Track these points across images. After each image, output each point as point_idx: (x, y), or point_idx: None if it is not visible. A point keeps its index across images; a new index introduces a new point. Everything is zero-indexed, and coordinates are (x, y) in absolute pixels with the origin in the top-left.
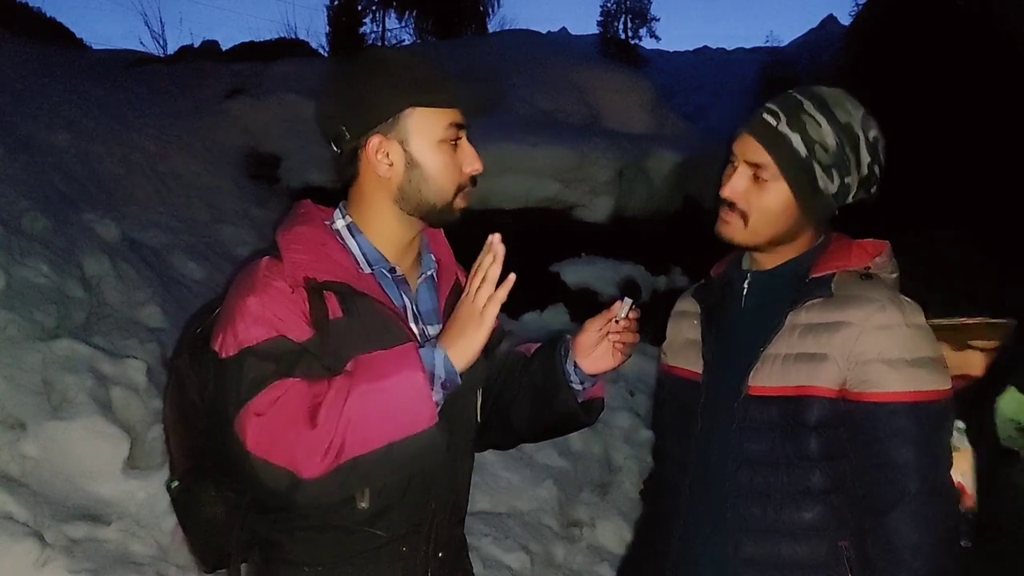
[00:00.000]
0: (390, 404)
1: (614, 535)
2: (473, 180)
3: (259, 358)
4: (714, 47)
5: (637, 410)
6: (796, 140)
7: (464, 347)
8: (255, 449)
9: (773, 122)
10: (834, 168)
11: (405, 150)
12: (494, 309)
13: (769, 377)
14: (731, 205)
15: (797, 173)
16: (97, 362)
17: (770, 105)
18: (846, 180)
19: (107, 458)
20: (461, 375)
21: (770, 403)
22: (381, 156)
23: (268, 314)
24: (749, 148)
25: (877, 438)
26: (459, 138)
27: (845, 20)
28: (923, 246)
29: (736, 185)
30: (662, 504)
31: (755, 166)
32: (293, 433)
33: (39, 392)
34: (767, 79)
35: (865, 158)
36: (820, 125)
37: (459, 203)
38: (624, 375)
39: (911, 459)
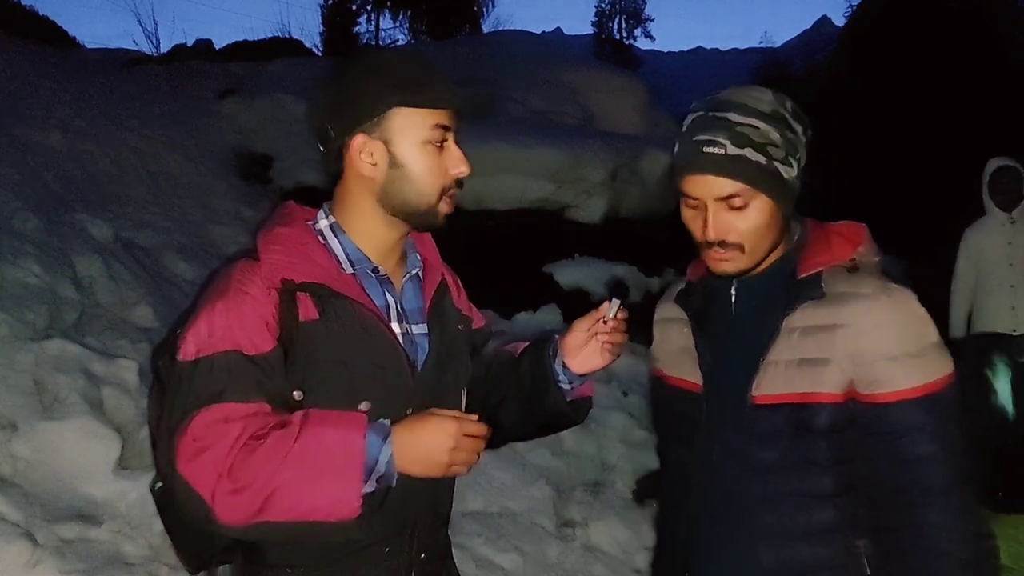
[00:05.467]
0: (315, 486)
1: (607, 535)
2: (460, 183)
3: (211, 370)
4: (708, 47)
5: (630, 410)
6: (751, 154)
7: (414, 463)
8: (184, 471)
9: (720, 151)
10: (788, 155)
11: (389, 150)
12: (460, 469)
13: (772, 385)
14: (722, 243)
15: (768, 182)
16: (89, 362)
17: (702, 137)
18: (798, 158)
19: (99, 458)
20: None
21: (777, 411)
22: (365, 155)
23: (232, 322)
24: (712, 186)
25: (896, 436)
26: (445, 140)
27: (839, 21)
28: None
29: (721, 225)
30: (668, 511)
31: (727, 199)
32: (212, 476)
33: (30, 392)
34: (762, 80)
35: (799, 128)
36: (758, 127)
37: (443, 207)
38: (617, 376)
39: (933, 452)
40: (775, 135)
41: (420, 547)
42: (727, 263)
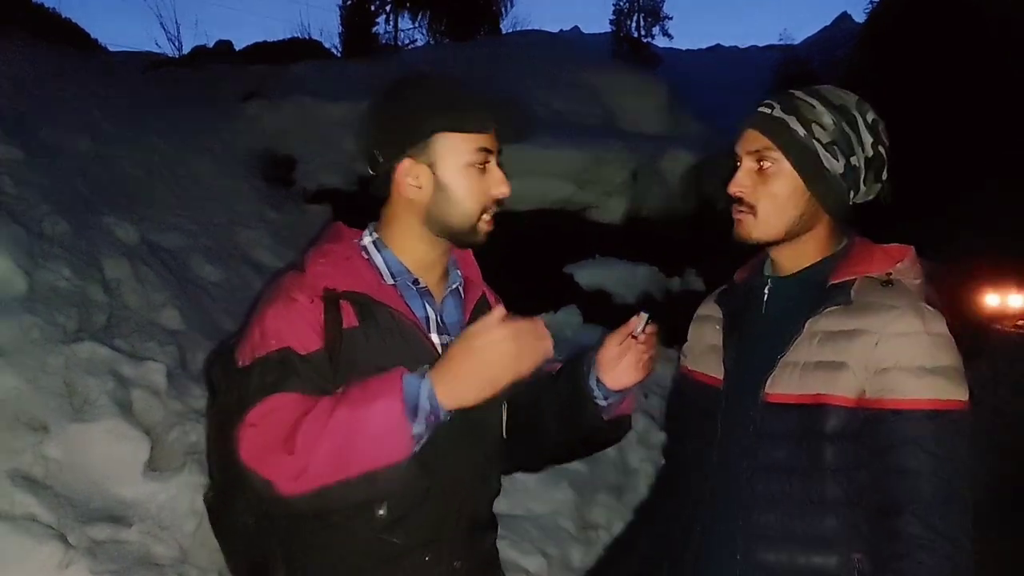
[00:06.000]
0: (365, 435)
1: None
2: (500, 203)
3: (265, 368)
4: (727, 45)
5: (651, 412)
6: (792, 121)
7: (455, 390)
8: (246, 458)
9: (768, 111)
10: (836, 146)
11: (434, 173)
12: (529, 364)
13: (787, 385)
14: (740, 201)
15: (799, 152)
16: (118, 364)
17: (765, 100)
18: (852, 160)
19: (128, 460)
20: (450, 411)
21: (787, 411)
22: (411, 179)
23: (282, 325)
24: (749, 140)
25: (893, 445)
26: (487, 162)
27: (860, 17)
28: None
29: (741, 179)
30: (679, 508)
31: (756, 154)
32: (270, 453)
33: (61, 394)
34: (782, 76)
35: (867, 138)
36: (814, 107)
37: (483, 226)
38: None
39: (927, 466)
40: (828, 120)
41: (455, 554)
42: (740, 224)
